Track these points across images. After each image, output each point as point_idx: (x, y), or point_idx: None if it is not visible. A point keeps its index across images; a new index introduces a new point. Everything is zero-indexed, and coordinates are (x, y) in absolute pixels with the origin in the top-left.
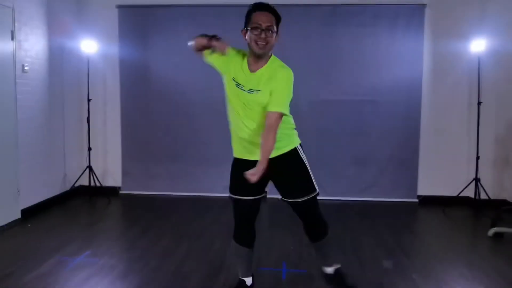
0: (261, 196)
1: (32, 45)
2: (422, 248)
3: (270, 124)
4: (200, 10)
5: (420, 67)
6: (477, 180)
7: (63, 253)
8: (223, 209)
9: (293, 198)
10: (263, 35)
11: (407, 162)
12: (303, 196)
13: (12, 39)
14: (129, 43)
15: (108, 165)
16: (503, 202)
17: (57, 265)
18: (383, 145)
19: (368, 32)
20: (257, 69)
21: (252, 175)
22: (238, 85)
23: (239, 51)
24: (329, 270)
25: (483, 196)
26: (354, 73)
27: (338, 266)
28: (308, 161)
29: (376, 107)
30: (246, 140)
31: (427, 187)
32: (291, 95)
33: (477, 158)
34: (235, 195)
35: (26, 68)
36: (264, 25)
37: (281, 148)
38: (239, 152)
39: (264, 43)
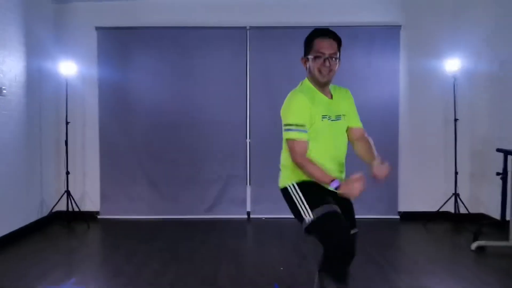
0: None
1: (10, 67)
2: (408, 262)
3: (364, 135)
4: (179, 31)
5: (397, 86)
6: (456, 195)
7: (47, 282)
8: (210, 231)
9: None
10: (327, 64)
11: (387, 179)
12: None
13: None
14: (108, 64)
15: (87, 189)
16: (481, 215)
17: None
18: (363, 163)
19: (344, 54)
20: (331, 95)
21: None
22: (327, 117)
23: (302, 90)
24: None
25: (462, 210)
26: None
27: None
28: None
29: None
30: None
31: (407, 203)
32: None
33: (456, 173)
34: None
35: (4, 91)
36: (327, 53)
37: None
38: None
39: (327, 71)
